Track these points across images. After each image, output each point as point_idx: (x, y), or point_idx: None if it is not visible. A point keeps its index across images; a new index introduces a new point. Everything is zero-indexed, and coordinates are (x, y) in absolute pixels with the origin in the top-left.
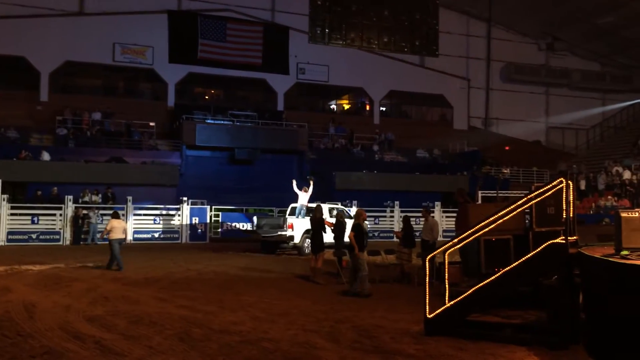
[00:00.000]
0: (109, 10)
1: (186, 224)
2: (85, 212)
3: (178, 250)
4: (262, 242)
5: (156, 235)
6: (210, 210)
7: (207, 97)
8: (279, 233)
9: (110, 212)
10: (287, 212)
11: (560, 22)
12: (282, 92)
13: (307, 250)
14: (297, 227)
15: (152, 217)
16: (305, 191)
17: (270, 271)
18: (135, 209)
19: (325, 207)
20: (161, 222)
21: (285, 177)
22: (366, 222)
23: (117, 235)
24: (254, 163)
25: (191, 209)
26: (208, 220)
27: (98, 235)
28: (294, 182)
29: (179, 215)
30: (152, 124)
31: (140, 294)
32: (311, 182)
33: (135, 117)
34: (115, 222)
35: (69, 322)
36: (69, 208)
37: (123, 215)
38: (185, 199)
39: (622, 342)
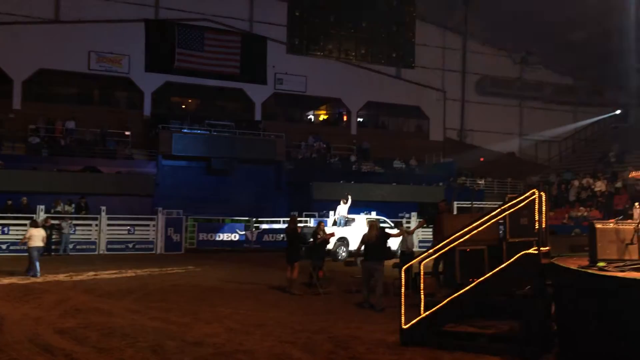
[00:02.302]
0: (84, 18)
1: (161, 235)
2: (57, 221)
3: (153, 261)
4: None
5: (130, 245)
6: (186, 221)
7: (184, 107)
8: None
9: (84, 222)
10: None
11: (533, 36)
12: (259, 102)
13: (340, 257)
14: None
15: (126, 228)
16: (345, 203)
17: (247, 282)
18: (109, 219)
19: (362, 217)
20: (135, 232)
21: (263, 187)
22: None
23: (35, 243)
24: (231, 173)
25: (166, 219)
26: (184, 231)
27: (71, 246)
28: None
29: (153, 225)
30: (127, 133)
31: (113, 306)
32: (349, 196)
33: (110, 126)
34: (34, 231)
35: (39, 334)
36: (40, 218)
37: (96, 225)
38: (160, 209)
39: (593, 352)
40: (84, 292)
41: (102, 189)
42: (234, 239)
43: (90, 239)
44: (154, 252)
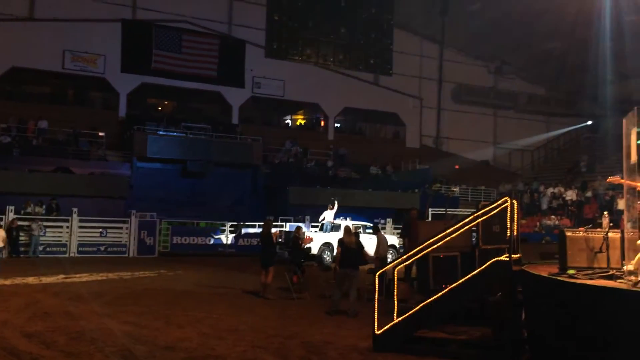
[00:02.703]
0: (60, 16)
1: (134, 238)
2: (27, 223)
3: (125, 264)
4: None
5: (102, 248)
6: (160, 224)
7: (160, 109)
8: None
9: (54, 223)
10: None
11: (508, 46)
12: (237, 105)
13: (325, 262)
14: (316, 240)
15: (98, 230)
16: (331, 209)
17: (221, 286)
18: (81, 221)
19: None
20: (108, 235)
21: (239, 191)
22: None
23: None
24: (207, 176)
25: (140, 222)
26: (157, 234)
27: (41, 248)
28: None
29: (126, 228)
30: (101, 134)
31: (82, 309)
32: (335, 202)
33: (84, 126)
34: None
35: (5, 338)
36: (10, 219)
37: (67, 227)
38: (134, 211)
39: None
40: (53, 295)
41: (74, 190)
42: (208, 242)
43: (60, 241)
44: (126, 255)
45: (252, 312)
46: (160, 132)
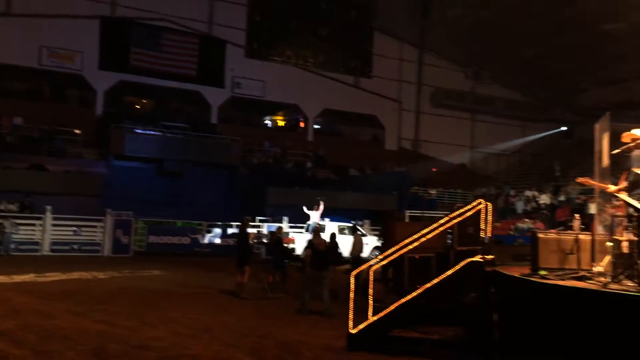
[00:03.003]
0: (37, 12)
1: (109, 236)
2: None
3: (99, 263)
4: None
5: (76, 247)
6: (136, 223)
7: (138, 107)
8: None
9: (27, 221)
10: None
11: (486, 52)
12: (216, 105)
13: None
14: (298, 240)
15: (72, 228)
16: (317, 210)
17: (196, 286)
18: (55, 219)
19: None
20: (82, 233)
21: (216, 191)
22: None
23: None
24: (185, 176)
25: (115, 220)
26: (133, 233)
27: (13, 246)
28: (304, 207)
29: (101, 227)
30: (78, 131)
31: (54, 308)
32: (321, 202)
33: (60, 123)
34: None
35: None
36: None
37: (40, 225)
38: (109, 210)
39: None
40: (25, 293)
41: (48, 187)
42: (185, 242)
43: (33, 239)
44: (100, 254)
45: (227, 312)
46: (138, 131)
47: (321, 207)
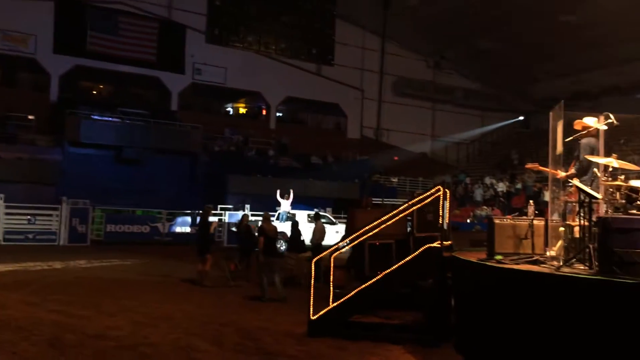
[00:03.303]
0: None
1: (65, 225)
2: None
3: (55, 253)
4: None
5: (30, 236)
6: (93, 211)
7: (94, 92)
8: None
9: None
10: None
11: (447, 42)
12: (176, 91)
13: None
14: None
15: (26, 217)
16: (287, 199)
17: (156, 275)
18: (7, 207)
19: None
20: (37, 222)
21: (177, 179)
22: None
23: None
24: (144, 163)
25: (71, 209)
26: (90, 222)
27: None
28: (278, 191)
29: (57, 215)
30: (31, 117)
31: (7, 298)
32: (291, 192)
33: (12, 109)
34: None
35: None
36: None
37: None
38: (65, 198)
39: (487, 340)
40: None
41: (0, 175)
42: (144, 231)
43: None
44: (56, 243)
45: (187, 300)
46: (95, 117)
47: (291, 196)
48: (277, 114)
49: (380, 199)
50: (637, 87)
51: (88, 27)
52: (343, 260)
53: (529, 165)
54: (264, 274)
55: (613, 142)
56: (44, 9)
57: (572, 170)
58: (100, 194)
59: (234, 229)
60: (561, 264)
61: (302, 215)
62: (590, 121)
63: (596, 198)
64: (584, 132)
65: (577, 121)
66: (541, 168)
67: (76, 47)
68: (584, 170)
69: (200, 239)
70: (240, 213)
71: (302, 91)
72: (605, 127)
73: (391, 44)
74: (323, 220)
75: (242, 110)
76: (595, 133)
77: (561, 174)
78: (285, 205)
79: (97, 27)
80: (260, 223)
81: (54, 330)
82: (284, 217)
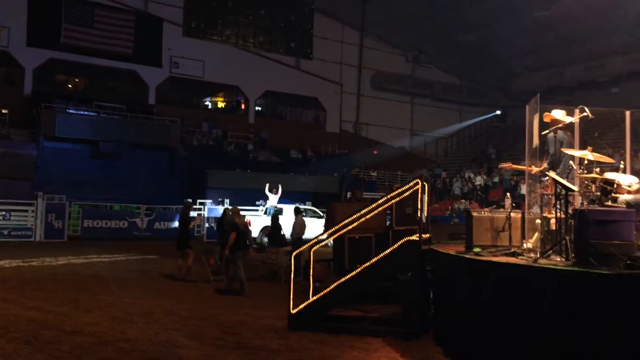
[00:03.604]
0: None
1: (41, 221)
2: None
3: (31, 249)
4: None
5: (5, 232)
6: (70, 207)
7: (70, 86)
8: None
9: None
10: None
11: (425, 36)
12: (153, 85)
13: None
14: (254, 224)
15: (1, 213)
16: (275, 193)
17: (134, 270)
18: None
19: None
20: (12, 218)
21: (155, 174)
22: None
23: None
24: (121, 158)
25: (47, 204)
26: (67, 217)
27: None
28: (267, 185)
29: (32, 211)
30: (4, 111)
31: None
32: (279, 186)
33: None
34: None
35: None
36: None
37: None
38: (40, 193)
39: (465, 332)
40: None
41: None
42: (122, 226)
43: None
44: (32, 239)
45: (166, 295)
46: (70, 111)
47: (279, 191)
48: (256, 108)
49: (346, 192)
50: (612, 81)
51: (63, 19)
52: (326, 253)
53: (502, 165)
54: (232, 268)
55: (588, 136)
56: (17, 0)
57: (545, 165)
58: (76, 189)
59: (213, 224)
60: (538, 256)
61: (290, 209)
62: (558, 114)
63: (572, 190)
64: (559, 126)
65: (545, 113)
66: (514, 166)
67: (51, 40)
68: (556, 164)
69: (181, 234)
70: (219, 208)
71: (281, 85)
72: (572, 120)
73: (370, 38)
74: (306, 214)
75: (220, 105)
76: (565, 126)
77: (535, 169)
78: (273, 199)
79: (72, 19)
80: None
81: (30, 327)
82: (272, 211)
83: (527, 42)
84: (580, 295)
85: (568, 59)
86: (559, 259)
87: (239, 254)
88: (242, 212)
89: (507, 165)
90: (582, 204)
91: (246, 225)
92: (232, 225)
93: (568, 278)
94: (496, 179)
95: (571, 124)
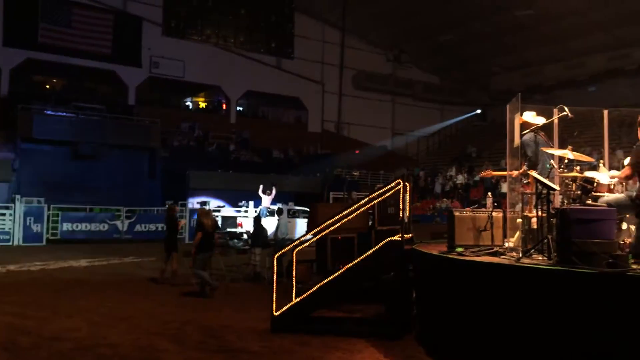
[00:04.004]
0: None
1: (19, 225)
2: None
3: (9, 253)
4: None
5: None
6: (49, 210)
7: (48, 87)
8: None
9: None
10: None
11: (406, 36)
12: (133, 85)
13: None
14: (246, 225)
15: None
16: (269, 195)
17: (115, 274)
18: None
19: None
20: None
21: (135, 175)
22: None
23: None
24: (101, 159)
25: (25, 207)
26: (45, 221)
27: None
28: (261, 187)
29: (10, 214)
30: None
31: None
32: (274, 188)
33: None
34: None
35: None
36: None
37: None
38: (18, 196)
39: (448, 332)
40: None
41: None
42: (102, 229)
43: None
44: (10, 243)
45: (147, 299)
46: (48, 112)
47: (273, 192)
48: (238, 108)
49: (343, 193)
50: (590, 80)
51: (40, 18)
52: (310, 253)
53: (483, 174)
54: (197, 268)
55: (567, 135)
56: None
57: (524, 168)
58: (55, 192)
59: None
60: (520, 255)
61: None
62: (528, 116)
63: (553, 189)
64: (532, 128)
65: (517, 114)
66: (494, 173)
67: (27, 40)
68: (533, 165)
69: (167, 237)
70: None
71: (263, 85)
72: (544, 122)
73: (351, 37)
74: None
75: (201, 105)
76: (539, 127)
77: (515, 172)
78: (266, 200)
79: (50, 18)
80: (239, 219)
81: (8, 334)
82: (265, 213)
83: (506, 41)
84: (563, 294)
85: (546, 58)
86: (540, 258)
87: (205, 255)
88: (235, 214)
89: (487, 173)
90: (562, 202)
91: (214, 226)
92: (199, 225)
93: (551, 277)
94: (477, 178)
95: (550, 124)
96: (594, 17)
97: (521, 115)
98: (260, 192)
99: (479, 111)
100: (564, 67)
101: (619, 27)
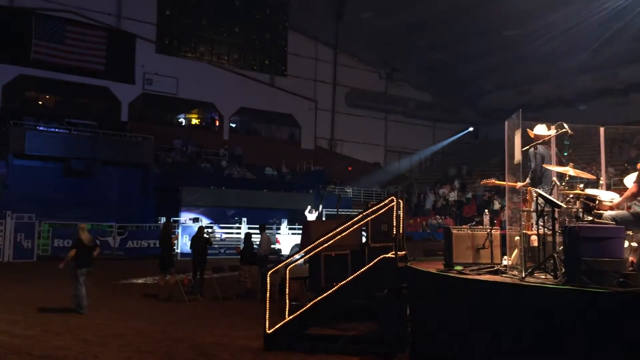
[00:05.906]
0: None
1: (10, 241)
2: None
3: None
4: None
5: None
6: (40, 226)
7: (40, 103)
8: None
9: None
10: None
11: (398, 54)
12: (126, 102)
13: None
14: (284, 242)
15: None
16: (313, 213)
17: (106, 291)
18: None
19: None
20: None
21: (128, 191)
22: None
23: None
24: (93, 175)
25: (16, 223)
26: (36, 237)
27: None
28: (308, 207)
29: (1, 230)
30: None
31: None
32: (321, 206)
33: None
34: None
35: None
36: None
37: None
38: (9, 212)
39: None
40: None
41: None
42: None
43: None
44: (0, 260)
45: (139, 317)
46: (41, 128)
47: (319, 210)
48: (231, 125)
49: (335, 210)
50: (580, 98)
51: (33, 35)
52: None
53: (484, 182)
54: (74, 284)
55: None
56: None
57: (528, 180)
58: (47, 208)
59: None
60: (523, 274)
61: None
62: (541, 130)
63: (559, 206)
64: (540, 141)
65: (527, 130)
66: (497, 182)
67: (20, 56)
68: (538, 179)
69: (162, 254)
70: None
71: (256, 102)
72: (556, 133)
73: (344, 55)
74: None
75: (195, 121)
76: (546, 141)
77: (519, 184)
78: (311, 218)
79: (43, 35)
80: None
81: None
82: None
83: (496, 60)
84: (573, 314)
85: (536, 77)
86: (544, 277)
87: (83, 271)
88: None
89: (489, 181)
90: (564, 220)
91: (93, 241)
92: (75, 240)
93: (561, 296)
94: (469, 195)
95: (549, 140)
96: (581, 37)
97: (529, 129)
98: (306, 212)
99: (471, 129)
100: (554, 86)
101: (606, 47)
